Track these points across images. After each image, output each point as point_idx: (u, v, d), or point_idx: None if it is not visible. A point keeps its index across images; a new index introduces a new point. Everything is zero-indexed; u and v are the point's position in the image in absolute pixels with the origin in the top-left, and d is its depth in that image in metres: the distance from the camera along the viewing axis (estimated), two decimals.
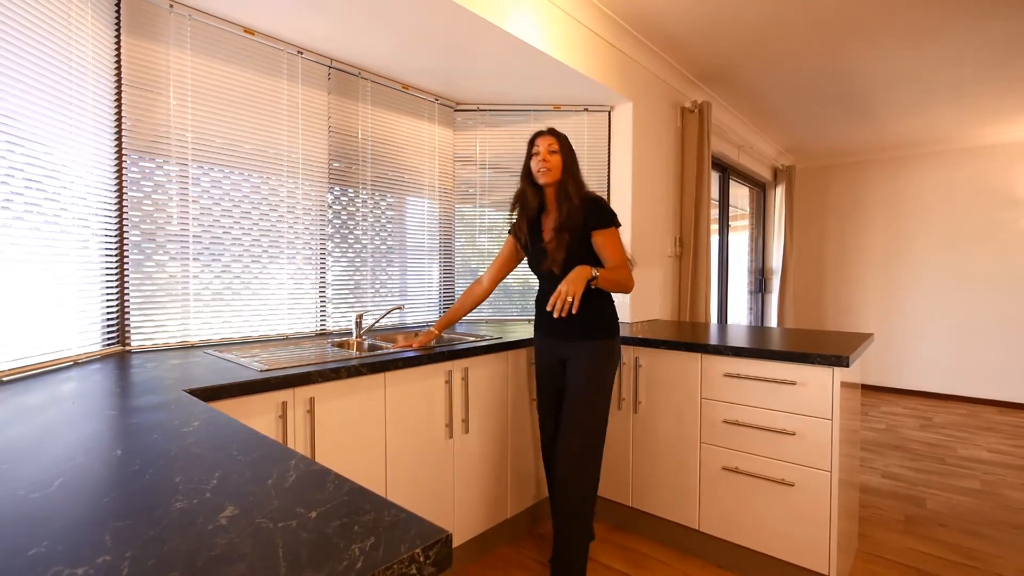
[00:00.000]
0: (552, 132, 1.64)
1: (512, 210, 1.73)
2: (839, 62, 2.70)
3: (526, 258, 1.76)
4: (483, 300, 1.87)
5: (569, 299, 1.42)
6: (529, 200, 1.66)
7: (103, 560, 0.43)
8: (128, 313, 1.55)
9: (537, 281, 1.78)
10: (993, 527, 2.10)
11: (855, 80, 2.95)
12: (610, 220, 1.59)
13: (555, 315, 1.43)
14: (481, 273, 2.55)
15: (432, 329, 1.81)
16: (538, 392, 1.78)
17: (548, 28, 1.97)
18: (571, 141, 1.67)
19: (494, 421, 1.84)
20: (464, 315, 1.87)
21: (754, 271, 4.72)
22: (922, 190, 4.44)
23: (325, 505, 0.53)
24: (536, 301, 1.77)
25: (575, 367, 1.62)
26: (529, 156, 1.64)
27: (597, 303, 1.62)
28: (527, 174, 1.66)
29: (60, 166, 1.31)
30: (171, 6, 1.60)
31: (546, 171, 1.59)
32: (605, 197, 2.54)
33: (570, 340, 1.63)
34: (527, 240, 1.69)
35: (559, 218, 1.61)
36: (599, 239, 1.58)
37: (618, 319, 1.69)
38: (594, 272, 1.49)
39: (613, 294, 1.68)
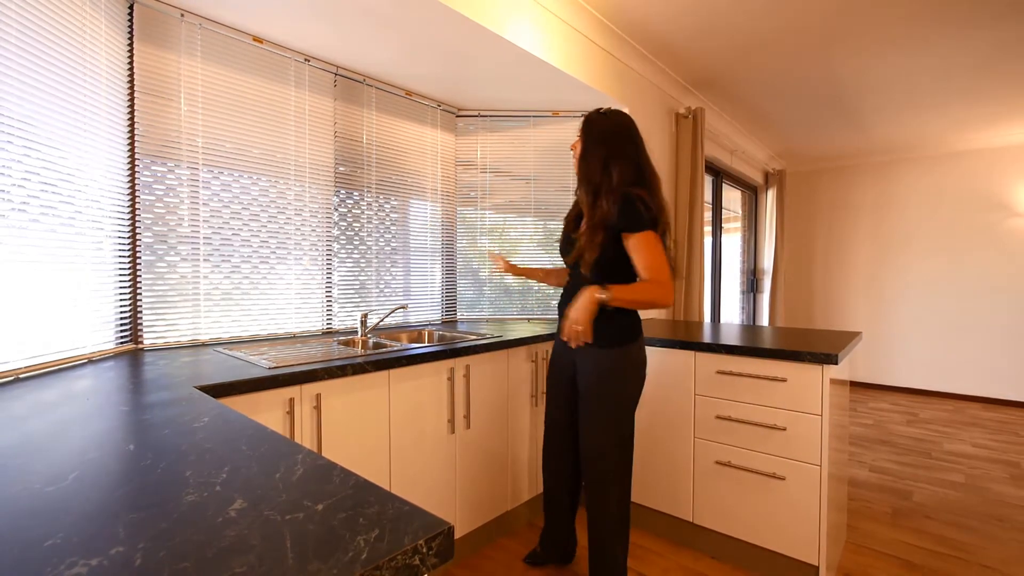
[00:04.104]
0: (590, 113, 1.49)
1: None
2: (829, 69, 2.77)
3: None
4: (553, 283, 1.85)
5: (578, 328, 1.33)
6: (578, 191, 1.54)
7: (116, 551, 0.44)
8: (140, 312, 1.59)
9: (535, 283, 1.73)
10: (977, 519, 2.16)
11: (844, 87, 3.02)
12: (639, 223, 1.36)
13: (572, 345, 1.35)
14: (485, 275, 2.61)
15: (512, 264, 1.85)
16: (547, 389, 1.71)
17: (547, 36, 2.02)
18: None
19: (494, 417, 1.88)
20: (546, 282, 1.87)
21: (746, 272, 4.79)
22: (909, 193, 4.54)
23: (331, 498, 0.54)
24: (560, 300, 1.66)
25: (583, 375, 1.51)
26: None
27: (610, 309, 1.44)
28: None
29: (75, 170, 1.34)
30: (182, 15, 1.64)
31: (573, 161, 1.50)
32: None
33: (581, 346, 1.51)
34: (570, 226, 1.60)
35: (587, 213, 1.45)
36: (628, 244, 1.39)
37: (638, 324, 1.51)
38: (602, 295, 1.34)
39: None
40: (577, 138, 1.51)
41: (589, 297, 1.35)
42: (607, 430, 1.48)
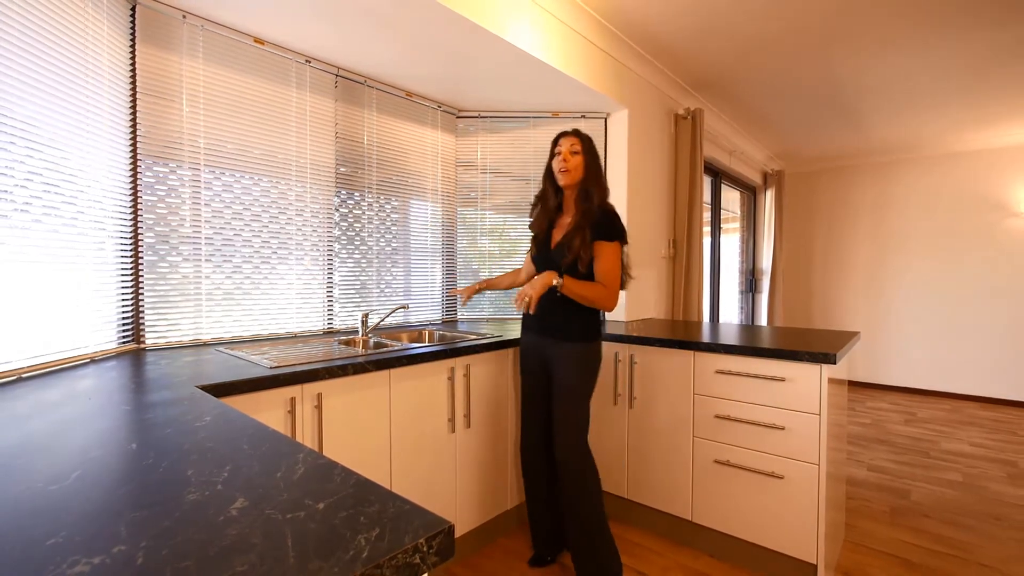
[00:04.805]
0: (576, 133, 1.62)
1: (534, 208, 1.75)
2: (827, 70, 2.78)
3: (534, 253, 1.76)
4: (515, 287, 2.04)
5: (526, 300, 1.49)
6: (549, 200, 1.67)
7: (119, 550, 0.44)
8: (143, 312, 1.59)
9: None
10: (974, 518, 2.17)
11: (843, 88, 3.03)
12: (613, 234, 1.56)
13: (516, 306, 1.51)
14: (485, 274, 2.63)
15: (477, 284, 2.00)
16: (523, 391, 1.78)
17: (547, 38, 2.03)
18: None
19: (494, 416, 1.89)
20: (505, 287, 2.04)
21: (745, 272, 4.81)
22: (907, 194, 4.56)
23: (332, 497, 0.54)
24: None
25: (561, 368, 1.62)
26: (552, 155, 1.64)
27: (581, 307, 1.60)
28: (548, 173, 1.67)
29: (77, 171, 1.35)
30: (184, 17, 1.64)
31: (565, 172, 1.58)
32: None
33: (555, 340, 1.63)
34: (542, 236, 1.69)
35: (576, 220, 1.58)
36: (597, 250, 1.56)
37: (599, 325, 1.68)
38: (556, 281, 1.51)
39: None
40: (568, 148, 1.60)
41: (547, 278, 1.52)
42: (581, 420, 1.61)
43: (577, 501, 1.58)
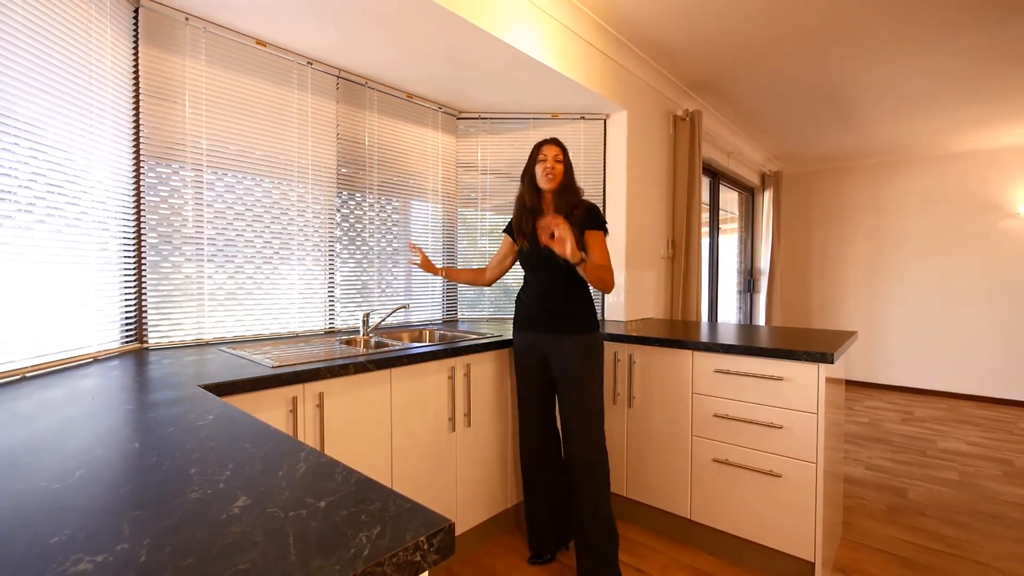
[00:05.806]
0: (557, 142, 1.73)
1: (517, 208, 1.80)
2: (825, 72, 2.80)
3: (518, 254, 1.83)
4: (480, 286, 2.13)
5: (563, 235, 1.49)
6: (531, 201, 1.74)
7: (121, 548, 0.44)
8: (145, 312, 1.60)
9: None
10: (971, 516, 2.19)
11: (840, 89, 3.05)
12: (601, 224, 1.70)
13: (556, 234, 1.51)
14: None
15: (439, 268, 2.06)
16: (520, 391, 1.79)
17: (547, 40, 2.04)
18: (568, 148, 1.79)
19: (495, 415, 1.90)
20: (462, 281, 2.09)
21: (743, 272, 4.82)
22: (905, 194, 4.58)
23: (333, 495, 0.54)
24: (517, 298, 1.81)
25: (563, 362, 1.65)
26: (534, 161, 1.73)
27: (580, 299, 1.70)
28: (529, 176, 1.74)
29: (81, 172, 1.35)
30: (187, 19, 1.65)
31: (551, 178, 1.69)
32: (600, 202, 2.63)
33: (554, 334, 1.67)
34: (528, 236, 1.74)
35: (562, 219, 1.63)
36: (590, 239, 1.67)
37: (596, 315, 1.74)
38: (584, 256, 1.58)
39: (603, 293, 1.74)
40: (553, 157, 1.71)
41: (575, 242, 1.52)
42: (596, 414, 1.63)
43: (589, 499, 1.60)
